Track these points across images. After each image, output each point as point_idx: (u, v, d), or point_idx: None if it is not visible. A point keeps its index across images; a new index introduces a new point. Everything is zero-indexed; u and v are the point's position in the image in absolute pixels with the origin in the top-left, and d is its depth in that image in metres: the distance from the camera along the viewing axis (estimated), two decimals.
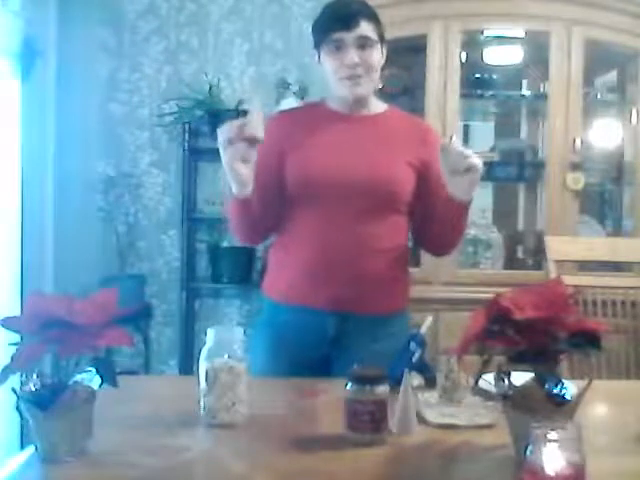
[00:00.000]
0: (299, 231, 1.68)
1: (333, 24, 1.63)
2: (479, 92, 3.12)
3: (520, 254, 3.33)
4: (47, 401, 1.06)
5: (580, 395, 1.07)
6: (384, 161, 1.67)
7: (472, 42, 3.09)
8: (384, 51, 1.70)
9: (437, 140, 1.79)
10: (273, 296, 1.74)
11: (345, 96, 1.68)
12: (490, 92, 3.15)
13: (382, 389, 1.19)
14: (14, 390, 1.08)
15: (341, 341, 1.67)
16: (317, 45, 1.67)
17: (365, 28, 1.62)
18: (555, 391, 1.06)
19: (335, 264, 1.64)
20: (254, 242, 1.87)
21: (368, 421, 1.18)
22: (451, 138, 1.58)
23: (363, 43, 1.62)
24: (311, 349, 1.67)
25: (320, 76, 1.71)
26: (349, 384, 1.20)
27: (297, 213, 1.68)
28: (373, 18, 1.66)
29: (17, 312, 1.15)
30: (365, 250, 1.64)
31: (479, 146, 3.37)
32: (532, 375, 1.09)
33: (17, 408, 1.08)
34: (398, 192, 1.67)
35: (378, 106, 1.76)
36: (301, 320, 1.67)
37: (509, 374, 1.11)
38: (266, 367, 1.63)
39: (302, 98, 3.15)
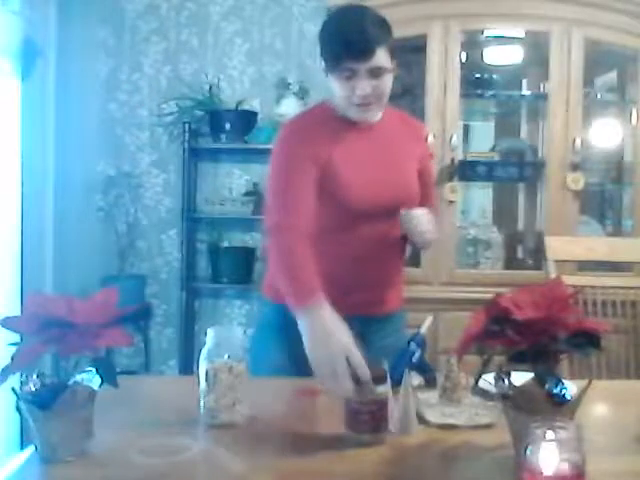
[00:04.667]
0: (316, 240, 1.57)
1: (347, 53, 1.51)
2: (479, 92, 3.12)
3: (520, 254, 3.33)
4: (47, 401, 1.06)
5: (580, 395, 1.07)
6: (404, 173, 1.68)
7: (472, 42, 3.09)
8: (395, 63, 1.61)
9: (426, 137, 1.87)
10: (275, 297, 1.68)
11: (353, 118, 1.64)
12: (490, 92, 3.15)
13: (382, 389, 1.19)
14: (14, 390, 1.08)
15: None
16: (325, 64, 1.58)
17: (380, 57, 1.53)
18: (555, 391, 1.06)
19: (351, 274, 1.63)
20: None
21: (368, 421, 1.18)
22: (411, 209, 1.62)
23: (377, 73, 1.55)
24: None
25: (320, 77, 1.69)
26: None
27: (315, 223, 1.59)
28: (387, 39, 1.56)
29: (17, 312, 1.15)
30: (381, 259, 1.65)
31: (479, 146, 3.38)
32: (532, 375, 1.09)
33: (17, 408, 1.08)
34: (415, 197, 1.69)
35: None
36: None
37: (509, 374, 1.11)
38: (276, 370, 1.63)
39: (302, 98, 3.15)
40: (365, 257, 1.64)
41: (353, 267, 1.64)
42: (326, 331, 1.31)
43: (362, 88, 1.55)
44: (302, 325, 1.36)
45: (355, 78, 1.54)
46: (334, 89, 1.60)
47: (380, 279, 1.68)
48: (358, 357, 1.24)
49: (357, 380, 1.20)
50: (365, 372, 1.21)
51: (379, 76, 1.56)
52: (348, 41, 1.52)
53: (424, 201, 1.76)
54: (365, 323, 1.66)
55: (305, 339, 1.34)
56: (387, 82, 1.60)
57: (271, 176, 1.61)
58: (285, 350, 1.67)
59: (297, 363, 1.64)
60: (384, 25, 1.57)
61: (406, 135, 1.73)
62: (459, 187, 2.93)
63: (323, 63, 1.59)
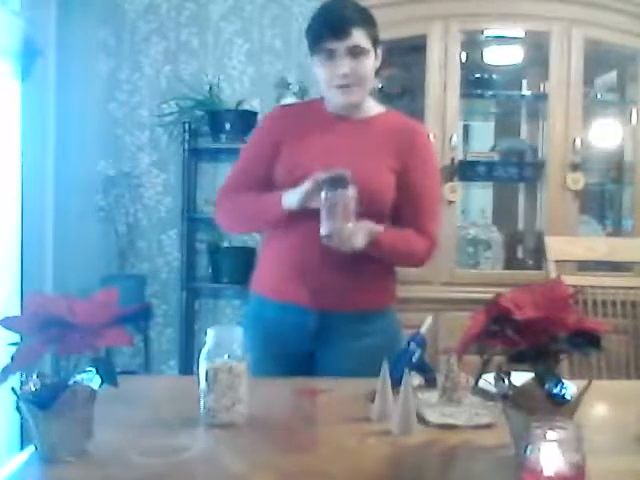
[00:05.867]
0: (284, 230, 1.69)
1: (324, 33, 1.61)
2: (479, 92, 3.12)
3: (520, 254, 3.33)
4: (47, 401, 1.06)
5: (580, 395, 1.07)
6: (368, 166, 1.66)
7: (472, 42, 3.08)
8: (379, 53, 1.68)
9: (426, 143, 1.77)
10: (259, 291, 1.78)
11: (337, 103, 1.69)
12: (490, 92, 3.15)
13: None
14: (14, 390, 1.08)
15: (323, 337, 1.69)
16: (309, 48, 1.67)
17: (357, 37, 1.60)
18: (555, 391, 1.06)
19: (316, 263, 1.65)
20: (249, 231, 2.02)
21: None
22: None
23: (355, 52, 1.61)
24: (294, 344, 1.70)
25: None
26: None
27: None
28: (366, 24, 1.63)
29: (17, 312, 1.15)
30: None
31: (479, 146, 3.38)
32: (532, 375, 1.09)
33: (17, 408, 1.08)
34: (379, 197, 1.66)
35: (374, 109, 1.75)
36: (284, 316, 1.69)
37: (509, 374, 1.11)
38: (252, 361, 1.63)
39: (302, 98, 3.15)
40: (316, 245, 1.59)
41: (306, 253, 1.65)
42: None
43: (340, 68, 1.61)
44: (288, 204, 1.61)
45: (334, 59, 1.62)
46: (318, 75, 1.67)
47: (338, 265, 1.63)
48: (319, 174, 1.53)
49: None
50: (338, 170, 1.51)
51: (358, 56, 1.62)
52: (326, 21, 1.62)
53: (409, 223, 1.69)
54: (326, 318, 1.67)
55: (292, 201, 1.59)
56: (367, 64, 1.65)
57: None
58: (261, 344, 1.70)
59: (272, 358, 1.67)
60: (364, 13, 1.66)
61: (397, 140, 1.71)
62: (459, 187, 2.93)
63: (310, 54, 1.68)
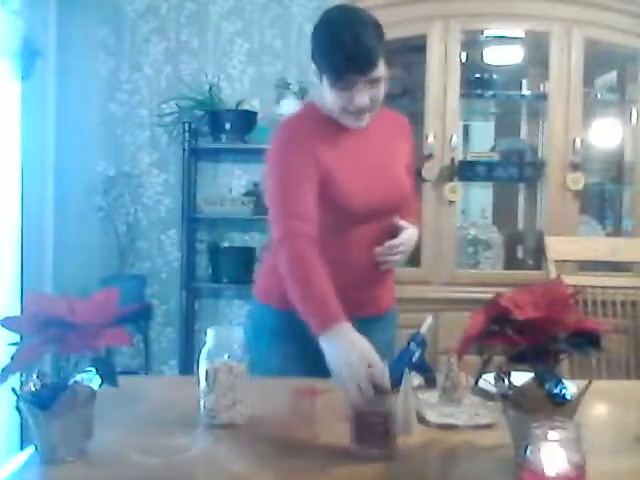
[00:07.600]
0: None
1: (349, 67, 1.50)
2: (479, 92, 3.12)
3: (520, 254, 3.33)
4: (47, 401, 1.06)
5: (580, 395, 1.07)
6: (395, 176, 1.68)
7: (472, 42, 3.08)
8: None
9: (410, 129, 1.81)
10: (280, 304, 1.64)
11: (347, 124, 1.63)
12: (490, 92, 3.15)
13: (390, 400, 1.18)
14: (14, 390, 1.08)
15: None
16: (322, 72, 1.56)
17: (380, 68, 1.53)
18: (555, 391, 1.06)
19: (346, 275, 1.59)
20: None
21: (382, 434, 1.14)
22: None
23: (375, 83, 1.54)
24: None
25: None
26: None
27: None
28: (383, 46, 1.54)
29: (17, 312, 1.15)
30: (373, 259, 1.64)
31: (479, 146, 3.38)
32: (532, 375, 1.09)
33: (17, 408, 1.08)
34: (404, 197, 1.70)
35: None
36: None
37: (509, 374, 1.11)
38: (274, 372, 1.63)
39: (302, 98, 3.15)
40: (359, 258, 1.63)
41: (347, 269, 1.62)
42: (348, 345, 1.32)
43: (361, 99, 1.54)
44: (324, 343, 1.36)
45: (354, 89, 1.53)
46: (328, 95, 1.58)
47: (374, 279, 1.68)
48: (380, 368, 1.24)
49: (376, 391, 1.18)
50: (387, 383, 1.21)
51: (377, 85, 1.56)
52: (351, 55, 1.49)
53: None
54: (360, 324, 1.66)
55: (328, 354, 1.34)
56: (382, 89, 1.59)
57: (273, 185, 1.58)
58: (281, 351, 1.67)
59: (292, 363, 1.66)
60: (380, 31, 1.55)
61: (396, 135, 1.74)
62: (459, 187, 2.93)
63: (316, 69, 1.57)
